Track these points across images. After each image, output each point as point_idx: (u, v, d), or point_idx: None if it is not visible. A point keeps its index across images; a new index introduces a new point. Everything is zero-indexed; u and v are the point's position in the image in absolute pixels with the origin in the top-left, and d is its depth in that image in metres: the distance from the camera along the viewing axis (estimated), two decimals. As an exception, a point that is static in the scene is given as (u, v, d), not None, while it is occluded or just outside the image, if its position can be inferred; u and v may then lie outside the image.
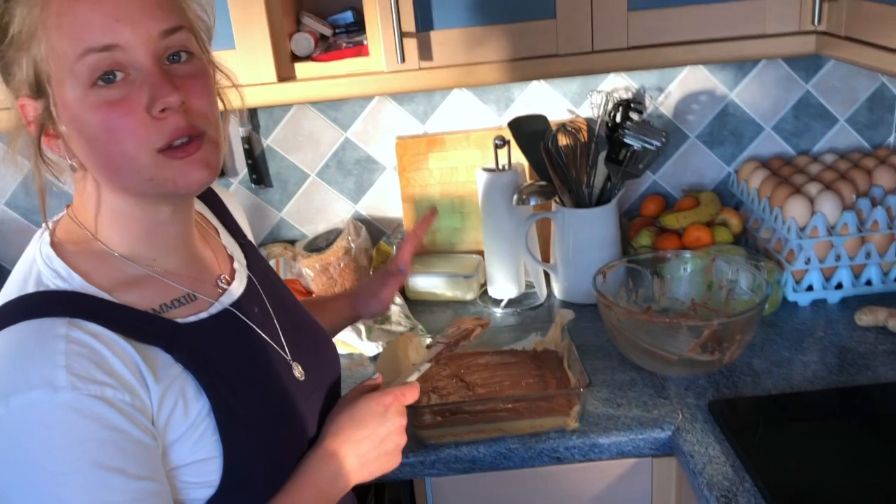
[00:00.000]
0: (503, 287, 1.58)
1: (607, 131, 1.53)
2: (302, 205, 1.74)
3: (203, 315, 0.79)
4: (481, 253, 1.65)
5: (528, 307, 1.57)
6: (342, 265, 1.63)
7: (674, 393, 1.22)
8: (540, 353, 1.31)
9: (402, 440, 0.89)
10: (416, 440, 1.15)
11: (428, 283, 1.60)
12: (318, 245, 1.67)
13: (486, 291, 1.63)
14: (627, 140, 1.43)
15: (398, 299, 1.56)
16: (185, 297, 0.79)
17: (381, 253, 1.66)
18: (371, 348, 1.43)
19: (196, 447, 0.73)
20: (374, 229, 1.76)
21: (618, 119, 1.52)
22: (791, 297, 1.47)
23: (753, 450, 1.06)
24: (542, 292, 1.59)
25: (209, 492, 0.75)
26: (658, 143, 1.42)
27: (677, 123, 1.69)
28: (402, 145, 1.66)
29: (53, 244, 0.76)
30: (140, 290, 0.76)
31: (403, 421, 0.90)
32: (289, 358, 0.87)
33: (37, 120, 0.72)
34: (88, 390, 0.65)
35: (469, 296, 1.61)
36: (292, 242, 1.75)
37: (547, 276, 1.62)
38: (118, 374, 0.68)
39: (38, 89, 0.71)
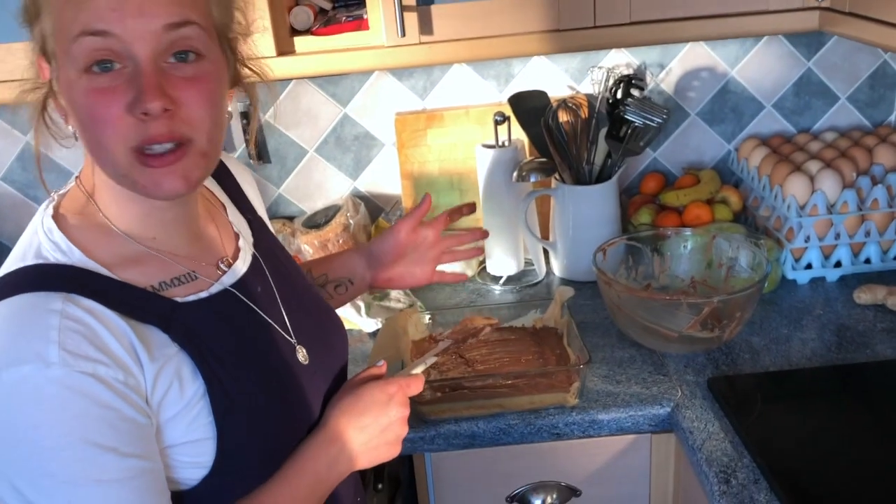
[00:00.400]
0: (502, 264, 1.58)
1: (608, 108, 1.52)
2: (300, 181, 1.73)
3: (203, 294, 0.78)
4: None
5: (526, 284, 1.57)
6: (341, 242, 1.62)
7: (673, 370, 1.22)
8: (539, 330, 1.32)
9: (404, 431, 0.89)
10: (417, 416, 1.15)
11: (427, 260, 1.60)
12: (316, 221, 1.67)
13: (485, 268, 1.63)
14: (628, 116, 1.42)
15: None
16: (186, 276, 0.78)
17: (379, 230, 1.65)
18: (370, 325, 1.43)
19: (190, 428, 0.73)
20: (373, 206, 1.75)
21: (619, 95, 1.51)
22: (790, 274, 1.47)
23: (752, 426, 1.07)
24: (541, 269, 1.59)
25: (202, 472, 0.74)
26: (659, 120, 1.41)
27: (678, 100, 1.68)
28: (401, 121, 1.65)
29: (56, 216, 0.75)
30: (140, 267, 0.75)
31: (406, 411, 0.89)
32: (293, 341, 0.86)
33: (47, 84, 0.73)
34: (80, 367, 0.65)
35: (468, 272, 1.61)
36: (291, 219, 1.74)
37: (546, 253, 1.61)
38: (112, 352, 0.67)
39: (48, 58, 0.72)
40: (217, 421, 0.73)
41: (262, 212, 0.99)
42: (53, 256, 0.71)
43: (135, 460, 0.67)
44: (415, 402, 1.14)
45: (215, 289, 0.80)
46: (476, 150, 1.55)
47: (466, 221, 1.69)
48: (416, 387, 0.90)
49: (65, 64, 0.69)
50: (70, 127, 0.73)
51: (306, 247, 1.61)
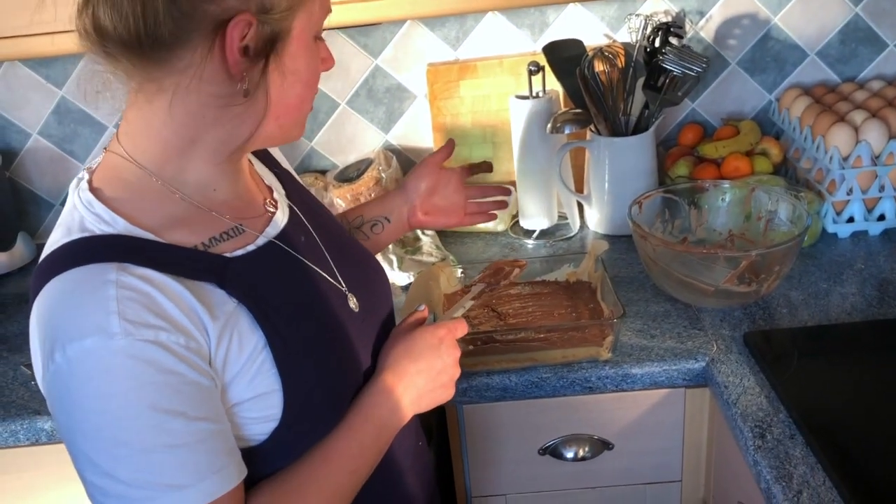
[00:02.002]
0: (535, 218, 1.57)
1: (646, 57, 1.48)
2: (332, 134, 1.73)
3: (250, 248, 0.78)
4: (513, 183, 1.62)
5: (559, 238, 1.55)
6: (373, 195, 1.62)
7: (708, 324, 1.21)
8: (572, 284, 1.31)
9: (457, 372, 0.90)
10: (449, 369, 1.16)
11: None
12: (348, 175, 1.66)
13: (517, 222, 1.61)
14: (667, 65, 1.38)
15: (428, 231, 1.55)
16: (232, 231, 0.78)
17: (412, 183, 1.64)
18: (402, 278, 1.43)
19: (254, 382, 0.73)
20: (405, 159, 1.74)
21: (657, 44, 1.47)
22: (830, 228, 1.44)
23: (789, 381, 1.05)
24: (575, 223, 1.57)
25: (271, 426, 0.75)
26: (699, 69, 1.37)
27: (718, 49, 1.63)
28: (433, 72, 1.63)
29: (92, 189, 0.74)
30: (187, 227, 0.75)
31: (457, 353, 0.90)
32: (343, 289, 0.86)
33: (242, 39, 0.69)
34: (142, 335, 0.65)
35: (500, 227, 1.60)
36: (323, 172, 1.74)
37: (580, 206, 1.59)
38: (171, 317, 0.67)
39: (267, 12, 0.70)
40: (281, 372, 0.74)
41: (286, 164, 0.99)
42: (98, 228, 0.71)
43: (203, 423, 0.68)
44: (447, 354, 1.15)
45: (261, 241, 0.79)
46: (509, 101, 1.52)
47: (499, 173, 1.67)
48: (462, 329, 0.92)
49: (305, 23, 0.73)
50: (243, 84, 0.71)
51: (339, 200, 1.61)
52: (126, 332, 0.64)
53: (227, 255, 0.75)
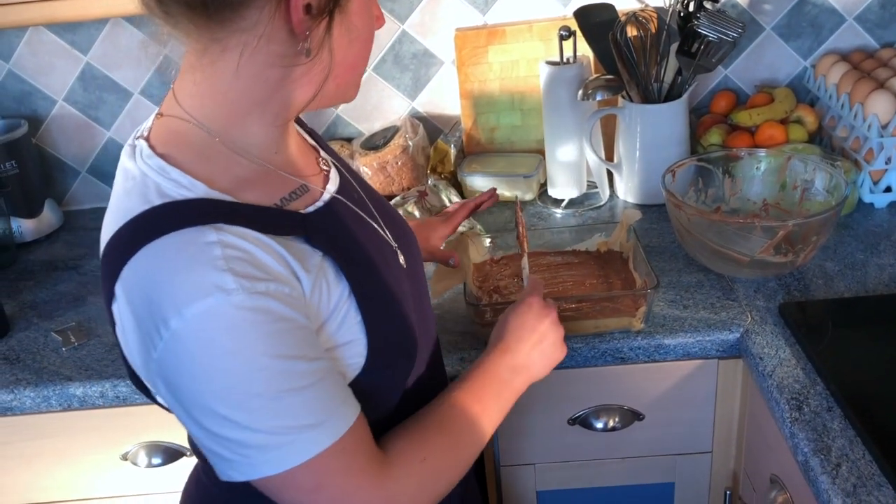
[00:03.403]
0: (564, 187, 1.55)
1: (679, 21, 1.44)
2: (358, 101, 1.71)
3: (319, 204, 0.79)
4: (542, 152, 1.60)
5: (589, 207, 1.53)
6: (399, 163, 1.60)
7: (742, 295, 1.19)
8: (604, 253, 1.29)
9: (561, 329, 0.95)
10: (479, 338, 1.15)
11: (486, 183, 1.57)
12: (375, 143, 1.65)
13: (545, 191, 1.59)
14: (701, 30, 1.35)
15: (455, 197, 1.53)
16: (299, 189, 0.78)
17: (438, 151, 1.63)
18: (430, 247, 1.42)
19: (340, 331, 0.74)
20: (432, 127, 1.72)
21: (691, 8, 1.43)
22: (867, 198, 1.41)
23: (825, 353, 1.04)
24: (605, 192, 1.55)
25: (352, 374, 0.76)
26: (734, 34, 1.34)
27: (752, 13, 1.59)
28: (461, 38, 1.60)
29: (158, 155, 0.72)
30: (259, 188, 0.75)
31: (554, 311, 0.96)
32: (394, 245, 0.87)
33: None
34: (256, 288, 0.65)
35: (528, 196, 1.58)
36: (349, 140, 1.72)
37: (610, 175, 1.57)
38: (273, 270, 0.68)
39: None
40: (365, 320, 0.75)
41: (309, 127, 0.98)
42: (178, 193, 0.69)
43: (320, 362, 0.70)
44: (477, 324, 1.14)
45: (326, 196, 0.80)
46: (539, 67, 1.49)
47: (528, 141, 1.65)
48: (540, 288, 0.99)
49: None
50: (306, 43, 0.70)
51: (365, 168, 1.59)
52: (242, 287, 0.64)
53: (302, 211, 0.76)
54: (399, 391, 0.83)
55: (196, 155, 0.73)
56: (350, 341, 0.75)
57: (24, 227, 1.66)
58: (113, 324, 0.72)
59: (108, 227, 0.71)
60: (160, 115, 0.76)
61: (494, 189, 1.27)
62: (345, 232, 0.78)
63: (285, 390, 0.66)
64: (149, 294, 0.65)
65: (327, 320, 0.73)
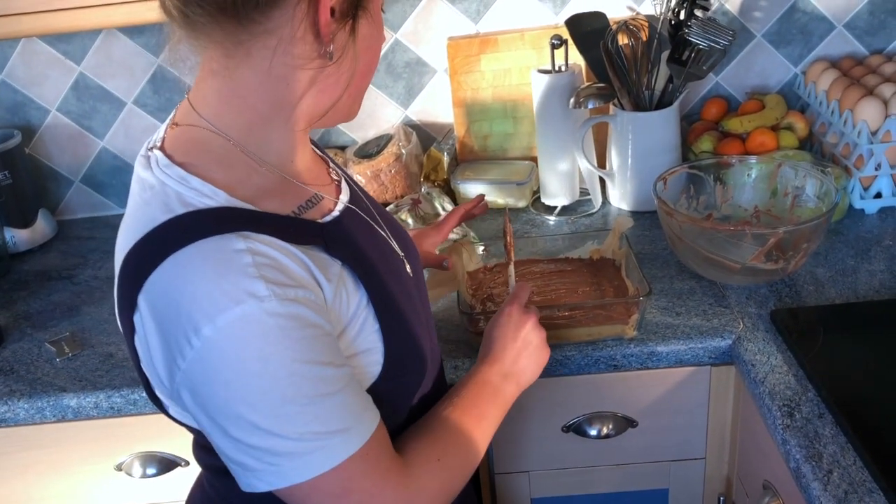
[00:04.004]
0: (557, 195, 1.55)
1: (670, 30, 1.45)
2: (351, 110, 1.71)
3: (334, 214, 0.79)
4: (534, 159, 1.61)
5: (581, 215, 1.54)
6: (393, 172, 1.61)
7: (734, 302, 1.20)
8: (596, 261, 1.29)
9: (542, 332, 0.97)
10: (473, 346, 1.15)
11: (480, 191, 1.57)
12: (368, 151, 1.65)
13: (538, 199, 1.60)
14: (692, 38, 1.36)
15: (449, 205, 1.54)
16: (313, 199, 0.79)
17: (431, 159, 1.63)
18: (424, 255, 1.42)
19: (358, 339, 0.75)
20: (425, 135, 1.73)
21: (681, 16, 1.44)
22: (857, 204, 1.42)
23: (816, 359, 1.04)
24: (598, 199, 1.56)
25: (368, 383, 0.77)
26: (725, 42, 1.35)
27: (743, 21, 1.60)
28: (453, 46, 1.61)
29: (179, 164, 0.72)
30: (278, 197, 0.75)
31: (533, 316, 0.97)
32: (402, 255, 0.88)
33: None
34: (287, 294, 0.66)
35: (521, 203, 1.59)
36: (343, 148, 1.73)
37: (602, 182, 1.58)
38: (299, 278, 0.68)
39: None
40: (382, 328, 0.76)
41: None
42: (200, 202, 0.69)
43: (346, 368, 0.71)
44: (471, 332, 1.15)
45: (340, 206, 0.81)
46: (531, 75, 1.50)
47: (520, 148, 1.65)
48: (525, 292, 1.00)
49: None
50: (329, 47, 0.70)
51: (359, 177, 1.60)
52: (273, 294, 0.65)
53: (319, 221, 0.77)
54: (411, 398, 0.84)
55: (216, 163, 0.72)
56: (368, 349, 0.76)
57: (18, 237, 1.66)
58: (129, 334, 0.71)
59: (127, 238, 0.70)
60: (175, 124, 0.76)
61: (482, 195, 1.28)
62: (359, 242, 0.79)
63: (316, 396, 0.67)
64: (177, 303, 0.65)
65: (347, 328, 0.74)
